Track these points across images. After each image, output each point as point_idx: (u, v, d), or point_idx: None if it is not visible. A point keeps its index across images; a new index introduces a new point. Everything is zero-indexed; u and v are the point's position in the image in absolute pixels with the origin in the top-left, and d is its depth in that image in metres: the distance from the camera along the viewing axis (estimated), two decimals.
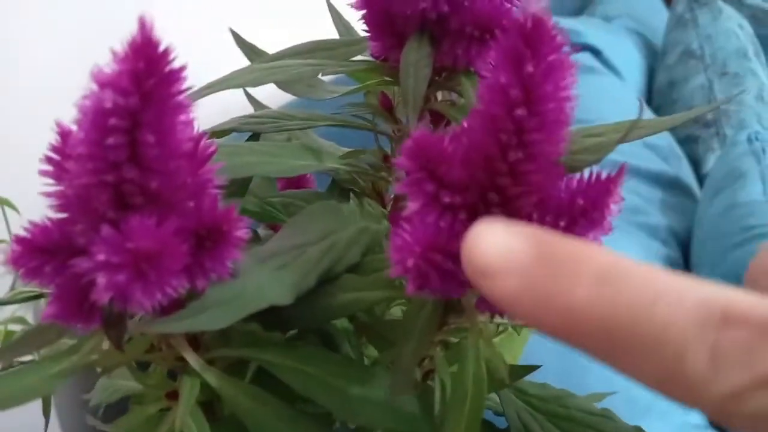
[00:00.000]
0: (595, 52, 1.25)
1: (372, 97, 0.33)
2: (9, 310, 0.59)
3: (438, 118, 0.31)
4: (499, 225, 0.17)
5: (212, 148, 0.23)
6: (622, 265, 0.15)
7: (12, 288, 0.59)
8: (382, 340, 0.28)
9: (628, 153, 1.08)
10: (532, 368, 0.29)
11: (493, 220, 0.17)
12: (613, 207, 0.22)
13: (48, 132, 0.22)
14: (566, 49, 0.21)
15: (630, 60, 1.31)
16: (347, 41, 0.32)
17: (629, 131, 0.27)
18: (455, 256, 0.21)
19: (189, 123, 0.20)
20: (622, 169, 0.22)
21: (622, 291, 0.14)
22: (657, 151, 1.11)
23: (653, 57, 1.37)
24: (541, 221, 0.22)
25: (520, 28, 0.20)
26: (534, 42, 0.20)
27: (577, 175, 0.23)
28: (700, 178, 1.17)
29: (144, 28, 0.18)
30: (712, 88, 1.22)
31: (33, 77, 0.64)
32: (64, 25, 0.65)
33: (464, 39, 0.28)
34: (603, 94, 1.16)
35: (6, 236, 0.58)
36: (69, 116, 0.21)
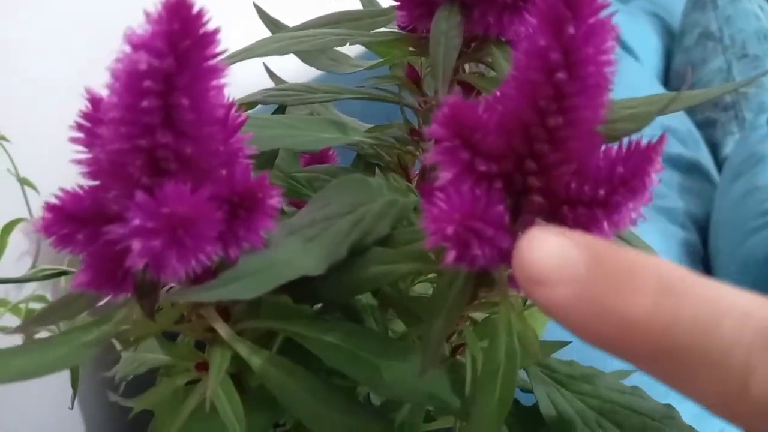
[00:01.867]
0: None
1: (398, 70, 0.33)
2: (29, 288, 0.60)
3: (467, 90, 0.30)
4: (553, 232, 0.16)
5: (243, 117, 0.22)
6: (684, 278, 0.14)
7: (33, 266, 0.59)
8: (410, 314, 0.28)
9: (646, 135, 1.06)
10: (563, 344, 0.28)
11: (547, 227, 0.17)
12: (654, 176, 0.21)
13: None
14: (608, 11, 0.20)
15: (647, 42, 1.29)
16: (373, 12, 0.31)
17: (670, 103, 0.27)
18: (494, 224, 0.21)
19: (221, 88, 0.20)
20: (662, 137, 0.22)
21: (684, 306, 0.14)
22: (675, 135, 1.10)
23: (671, 39, 1.35)
24: (580, 190, 0.21)
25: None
26: (575, 3, 0.19)
27: (616, 144, 0.22)
28: (719, 162, 1.15)
29: None
30: (731, 70, 1.20)
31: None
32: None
33: (496, 6, 0.27)
34: (620, 78, 1.14)
35: (26, 214, 0.58)
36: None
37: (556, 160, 0.21)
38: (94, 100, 0.21)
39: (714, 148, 1.19)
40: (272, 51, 0.28)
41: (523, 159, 0.21)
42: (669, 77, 1.30)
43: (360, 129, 0.30)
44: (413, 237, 0.26)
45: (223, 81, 0.20)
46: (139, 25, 0.18)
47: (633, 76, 1.17)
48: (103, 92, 0.20)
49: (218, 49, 0.19)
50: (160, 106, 0.18)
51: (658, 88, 1.17)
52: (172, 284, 0.22)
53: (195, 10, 0.18)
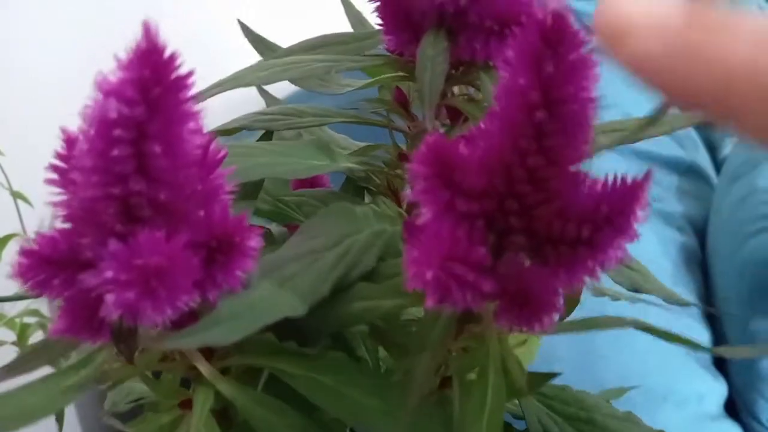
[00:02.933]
0: None
1: (386, 92, 0.32)
2: (24, 302, 0.60)
3: (455, 114, 0.30)
4: None
5: (222, 153, 0.22)
6: None
7: None
8: (397, 347, 0.27)
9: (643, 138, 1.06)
10: (551, 376, 0.28)
11: None
12: (639, 213, 0.21)
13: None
14: (588, 46, 0.20)
15: None
16: (360, 35, 0.31)
17: (646, 127, 0.26)
18: (475, 267, 0.20)
19: (198, 131, 0.19)
20: (648, 174, 0.21)
21: None
22: (673, 137, 1.09)
23: None
24: (563, 229, 0.21)
25: (539, 25, 0.19)
26: (554, 40, 0.19)
27: (600, 179, 0.22)
28: (717, 164, 1.15)
29: (149, 32, 0.17)
30: None
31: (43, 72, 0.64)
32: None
33: (483, 33, 0.27)
34: (620, 78, 1.14)
35: (19, 228, 0.58)
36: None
37: (538, 200, 0.20)
38: (69, 141, 0.21)
39: (712, 149, 1.19)
40: (259, 80, 0.28)
41: (505, 198, 0.21)
42: None
43: (349, 149, 0.30)
44: (399, 270, 0.25)
45: (199, 123, 0.19)
46: (110, 70, 0.18)
47: None
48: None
49: (192, 92, 0.19)
50: (132, 154, 0.18)
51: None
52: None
53: (167, 54, 0.18)
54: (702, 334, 0.81)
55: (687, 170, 1.06)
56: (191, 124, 0.19)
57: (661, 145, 1.06)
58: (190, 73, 0.19)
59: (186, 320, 0.21)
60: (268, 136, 0.31)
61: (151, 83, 0.18)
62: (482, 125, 0.22)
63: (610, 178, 0.21)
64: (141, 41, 0.17)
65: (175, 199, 0.19)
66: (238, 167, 0.23)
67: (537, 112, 0.19)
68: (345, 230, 0.26)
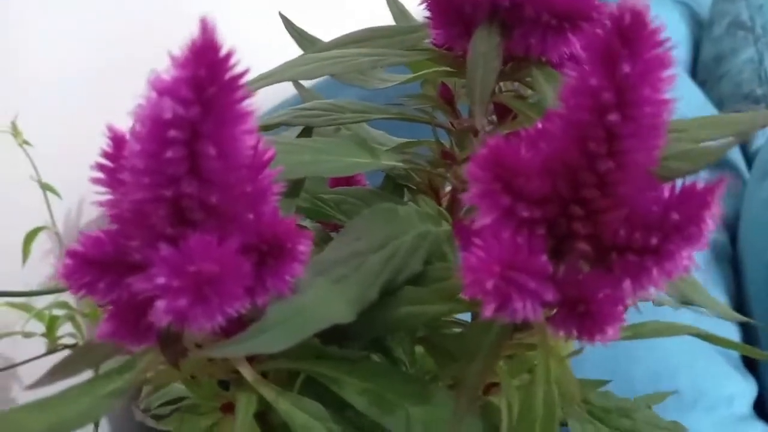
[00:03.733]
0: None
1: (429, 88, 0.31)
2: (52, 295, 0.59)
3: (503, 111, 0.29)
4: None
5: (271, 153, 0.21)
6: None
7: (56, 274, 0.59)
8: (442, 352, 0.27)
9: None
10: (602, 383, 0.27)
11: None
12: (710, 221, 0.20)
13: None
14: (667, 45, 0.18)
15: (674, 33, 1.25)
16: (405, 28, 0.30)
17: (740, 137, 0.25)
18: (536, 275, 0.19)
19: (250, 131, 0.19)
20: (721, 180, 0.20)
21: None
22: None
23: (699, 28, 1.31)
24: (630, 237, 0.20)
25: (616, 22, 0.18)
26: (631, 39, 0.18)
27: (669, 185, 0.21)
28: (748, 158, 1.12)
29: (206, 30, 0.17)
30: (762, 62, 1.17)
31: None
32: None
33: (540, 27, 0.26)
34: None
35: (49, 221, 0.57)
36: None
37: (606, 206, 0.19)
38: (117, 139, 0.20)
39: (743, 142, 1.16)
40: (302, 74, 0.27)
41: (570, 204, 0.20)
42: (696, 69, 1.27)
43: (388, 146, 0.29)
44: (446, 274, 0.25)
45: (252, 124, 0.19)
46: (163, 68, 0.17)
47: None
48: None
49: (245, 92, 0.18)
50: (186, 155, 0.17)
51: (686, 80, 1.14)
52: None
53: (222, 52, 0.17)
54: (732, 333, 0.80)
55: (717, 164, 1.03)
56: (244, 125, 0.18)
57: None
58: (244, 72, 0.18)
59: (234, 325, 0.20)
60: (307, 132, 0.30)
61: (206, 82, 0.17)
62: (542, 126, 0.21)
63: (679, 184, 0.20)
64: (197, 38, 0.17)
65: (227, 201, 0.19)
66: (282, 166, 0.22)
67: (610, 114, 0.18)
68: (390, 231, 0.25)
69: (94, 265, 0.19)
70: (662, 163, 0.23)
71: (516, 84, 0.30)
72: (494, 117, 0.29)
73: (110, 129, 0.20)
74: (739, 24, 1.19)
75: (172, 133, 0.17)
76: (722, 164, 1.04)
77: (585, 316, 0.20)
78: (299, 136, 0.30)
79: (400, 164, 0.29)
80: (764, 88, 1.13)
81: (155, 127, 0.17)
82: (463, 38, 0.27)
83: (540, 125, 0.21)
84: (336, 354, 0.25)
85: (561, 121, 0.20)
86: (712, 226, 0.20)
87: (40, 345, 0.55)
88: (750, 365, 0.78)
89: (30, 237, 0.53)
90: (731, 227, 0.98)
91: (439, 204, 0.32)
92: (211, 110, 0.17)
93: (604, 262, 0.20)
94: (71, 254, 0.20)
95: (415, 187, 0.31)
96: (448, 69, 0.28)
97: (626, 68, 0.18)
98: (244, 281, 0.18)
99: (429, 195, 0.32)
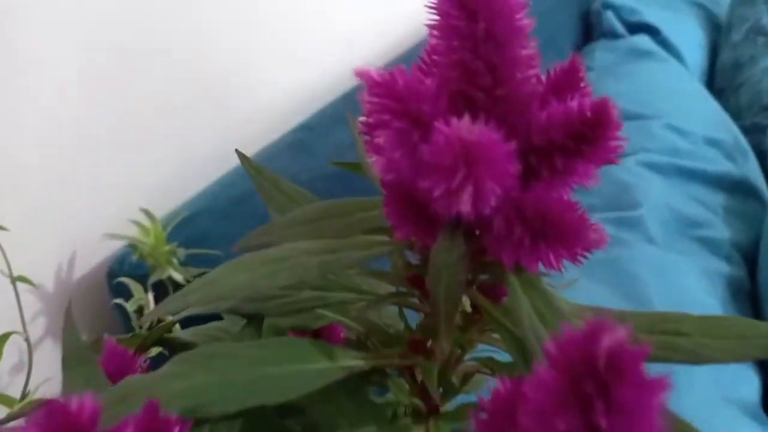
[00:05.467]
0: (653, 32, 1.14)
1: (398, 262, 0.27)
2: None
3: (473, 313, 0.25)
4: None
5: None
6: None
7: (27, 380, 0.56)
8: None
9: (686, 153, 0.98)
10: None
11: None
12: None
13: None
14: (648, 377, 0.14)
15: (691, 38, 1.19)
16: (364, 203, 0.26)
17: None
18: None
19: None
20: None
21: None
22: (721, 148, 1.01)
23: (717, 32, 1.24)
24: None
25: (586, 362, 0.14)
26: (607, 383, 0.14)
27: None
28: (767, 172, 1.06)
29: None
30: None
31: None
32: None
33: (510, 243, 0.21)
34: (660, 85, 1.05)
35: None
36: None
37: None
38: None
39: (762, 156, 1.10)
40: (237, 290, 0.23)
41: None
42: (714, 76, 1.20)
43: (350, 352, 0.25)
44: None
45: None
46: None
47: (676, 79, 1.08)
48: None
49: None
50: None
51: (702, 93, 1.08)
52: None
53: None
54: (751, 381, 0.76)
55: (735, 187, 0.98)
56: None
57: (707, 159, 0.98)
58: None
59: None
60: (256, 322, 0.26)
61: None
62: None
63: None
64: None
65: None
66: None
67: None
68: None
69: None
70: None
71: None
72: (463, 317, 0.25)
73: None
74: (758, 29, 1.12)
75: None
76: (741, 187, 0.99)
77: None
78: (244, 328, 0.27)
79: (361, 364, 0.25)
80: None
81: None
82: (428, 236, 0.23)
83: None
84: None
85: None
86: None
87: None
88: None
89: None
90: (750, 256, 0.93)
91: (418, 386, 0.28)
92: None
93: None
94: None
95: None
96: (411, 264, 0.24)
97: (601, 420, 0.14)
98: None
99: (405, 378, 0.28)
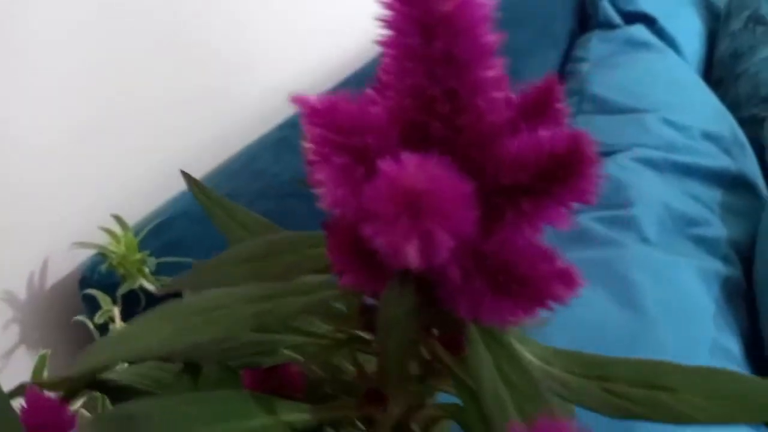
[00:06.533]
0: (649, 22, 1.10)
1: (353, 303, 0.24)
2: None
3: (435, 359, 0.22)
4: None
5: None
6: None
7: None
8: None
9: (683, 148, 0.95)
10: None
11: None
12: None
13: None
14: None
15: (688, 27, 1.15)
16: (313, 238, 0.23)
17: None
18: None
19: None
20: None
21: None
22: (718, 143, 0.98)
23: (715, 21, 1.21)
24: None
25: None
26: None
27: None
28: (766, 167, 1.03)
29: None
30: None
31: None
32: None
33: (470, 294, 0.19)
34: (656, 76, 1.02)
35: None
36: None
37: None
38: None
39: (760, 149, 1.07)
40: (160, 346, 0.20)
41: None
42: (712, 66, 1.17)
43: (293, 405, 0.23)
44: None
45: None
46: None
47: (672, 71, 1.04)
48: None
49: None
50: None
51: (700, 85, 1.05)
52: None
53: None
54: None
55: (732, 182, 0.95)
56: None
57: (704, 154, 0.95)
58: None
59: None
60: (193, 369, 0.24)
61: None
62: None
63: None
64: None
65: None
66: None
67: None
68: None
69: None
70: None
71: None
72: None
73: None
74: (758, 19, 1.08)
75: None
76: (738, 183, 0.96)
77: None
78: (183, 371, 0.24)
79: (306, 418, 0.23)
80: None
81: None
82: (376, 283, 0.20)
83: None
84: None
85: None
86: None
87: None
88: None
89: None
90: (746, 255, 0.90)
91: None
92: None
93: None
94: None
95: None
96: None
97: None
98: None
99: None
